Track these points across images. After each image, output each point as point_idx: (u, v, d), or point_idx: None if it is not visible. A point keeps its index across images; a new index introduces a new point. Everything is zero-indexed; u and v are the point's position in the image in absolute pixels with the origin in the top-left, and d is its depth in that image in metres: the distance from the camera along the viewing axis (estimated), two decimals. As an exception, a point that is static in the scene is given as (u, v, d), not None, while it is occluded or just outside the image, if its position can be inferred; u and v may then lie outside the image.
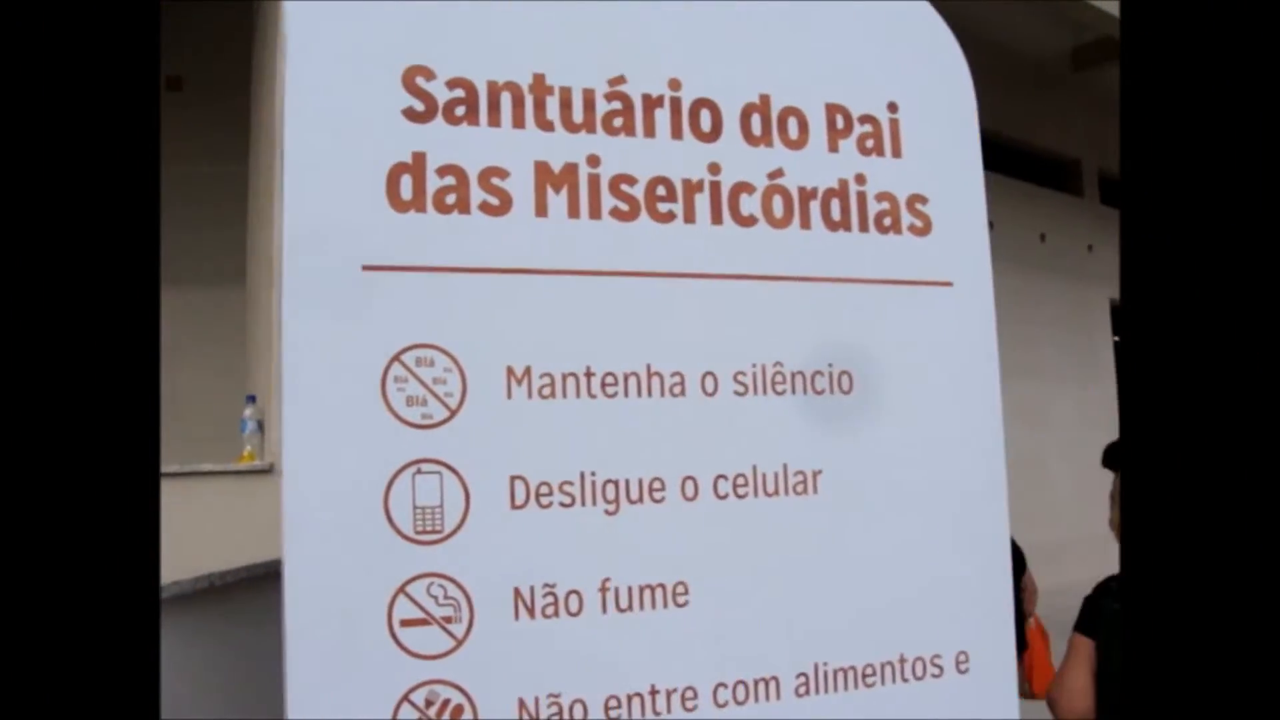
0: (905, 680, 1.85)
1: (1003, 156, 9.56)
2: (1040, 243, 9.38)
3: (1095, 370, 9.90)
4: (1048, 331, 9.31)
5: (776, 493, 1.79)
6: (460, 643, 1.61)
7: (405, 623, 1.58)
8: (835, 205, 1.90)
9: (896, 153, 1.97)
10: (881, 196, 1.94)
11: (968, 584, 1.92)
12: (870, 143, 1.95)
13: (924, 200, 1.97)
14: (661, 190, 1.79)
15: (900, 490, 1.88)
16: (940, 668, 1.87)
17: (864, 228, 1.92)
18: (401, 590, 1.58)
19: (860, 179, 1.93)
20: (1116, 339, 14.18)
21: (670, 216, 1.79)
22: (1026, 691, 2.70)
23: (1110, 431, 8.84)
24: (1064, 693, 2.15)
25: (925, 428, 1.91)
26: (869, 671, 1.82)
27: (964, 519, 1.92)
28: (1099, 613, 2.19)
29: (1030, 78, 9.68)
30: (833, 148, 1.92)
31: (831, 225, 1.89)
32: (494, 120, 1.73)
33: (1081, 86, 10.17)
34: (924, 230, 1.97)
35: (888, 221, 1.94)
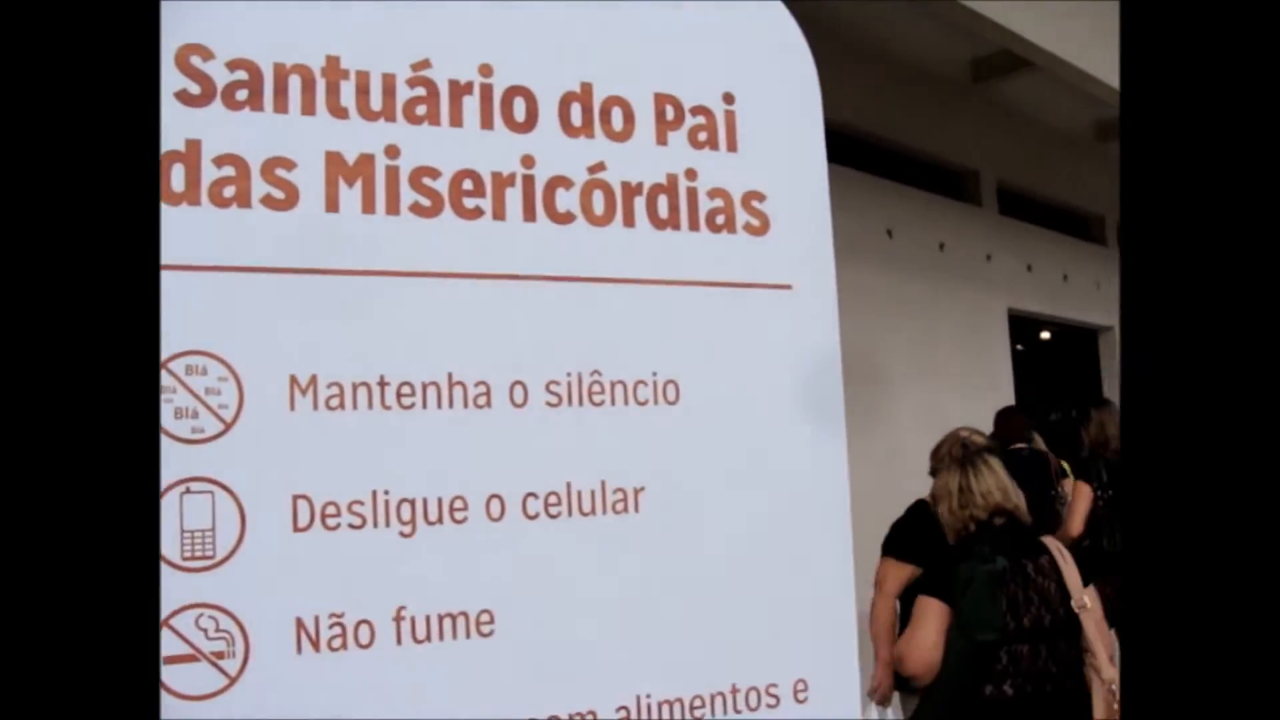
0: (738, 711, 1.72)
1: (902, 166, 9.61)
2: (939, 251, 9.42)
3: (994, 378, 9.97)
4: (946, 339, 9.35)
5: (593, 512, 1.65)
6: (234, 680, 1.44)
7: (170, 659, 1.41)
8: (663, 202, 1.77)
9: (732, 147, 1.85)
10: (715, 193, 1.82)
11: (807, 607, 1.80)
12: (703, 135, 1.83)
13: (761, 198, 1.86)
14: (468, 184, 1.64)
15: (732, 508, 1.75)
16: (776, 697, 1.75)
17: (694, 226, 1.79)
18: (166, 623, 1.41)
19: (691, 174, 1.80)
20: (1019, 347, 14.38)
21: (477, 213, 1.64)
22: None
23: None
24: (914, 649, 2.45)
25: (760, 441, 1.79)
26: (698, 704, 1.69)
27: (802, 538, 1.81)
28: (954, 577, 2.47)
29: (930, 89, 9.73)
30: (661, 140, 1.79)
31: (658, 223, 1.77)
32: (280, 106, 1.57)
33: (981, 98, 10.26)
34: (761, 229, 1.85)
35: (721, 220, 1.82)
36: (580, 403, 1.66)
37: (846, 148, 9.35)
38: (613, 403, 1.68)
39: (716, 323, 1.78)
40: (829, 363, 1.89)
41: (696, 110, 1.82)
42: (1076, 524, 4.52)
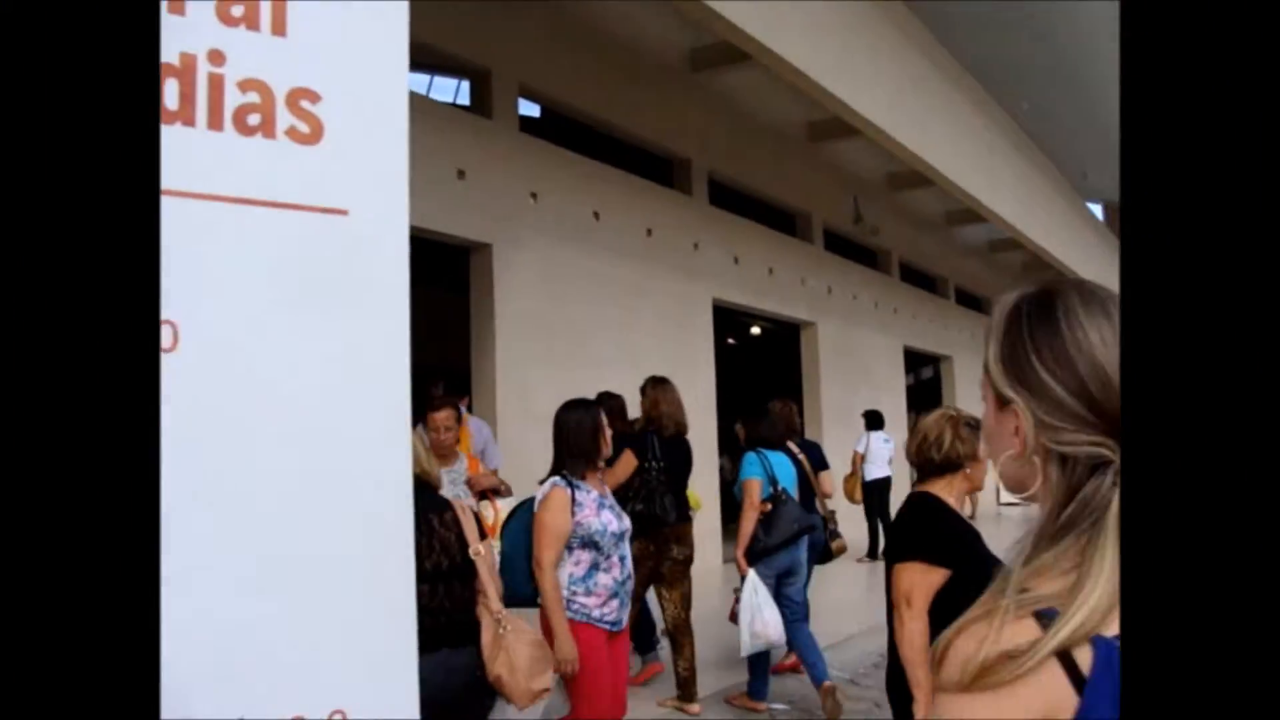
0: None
1: (614, 149, 9.46)
2: (646, 236, 9.33)
3: (696, 365, 10.01)
4: (651, 325, 9.29)
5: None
6: None
7: None
8: (173, 88, 1.36)
9: (279, 29, 1.45)
10: (248, 85, 1.42)
11: (345, 632, 1.43)
12: (238, 10, 1.42)
13: (314, 98, 1.47)
14: None
15: (258, 498, 1.36)
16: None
17: (217, 124, 1.39)
18: None
19: (217, 57, 1.39)
20: (730, 340, 14.67)
21: None
22: None
23: (712, 421, 8.86)
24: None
25: (292, 410, 1.40)
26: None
27: (355, 542, 1.44)
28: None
29: (647, 74, 9.63)
30: (177, 9, 1.38)
31: (166, 116, 1.35)
32: None
33: (698, 87, 10.28)
34: (311, 137, 1.46)
35: (255, 120, 1.42)
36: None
37: (558, 126, 9.12)
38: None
39: (237, 252, 1.38)
40: (394, 312, 1.52)
41: (229, -25, 1.41)
42: (613, 480, 4.76)
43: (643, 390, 5.26)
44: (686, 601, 4.99)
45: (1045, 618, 0.83)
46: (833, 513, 5.97)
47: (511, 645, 2.76)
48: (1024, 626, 0.83)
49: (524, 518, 3.49)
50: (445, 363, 8.39)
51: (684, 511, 5.02)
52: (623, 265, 9.02)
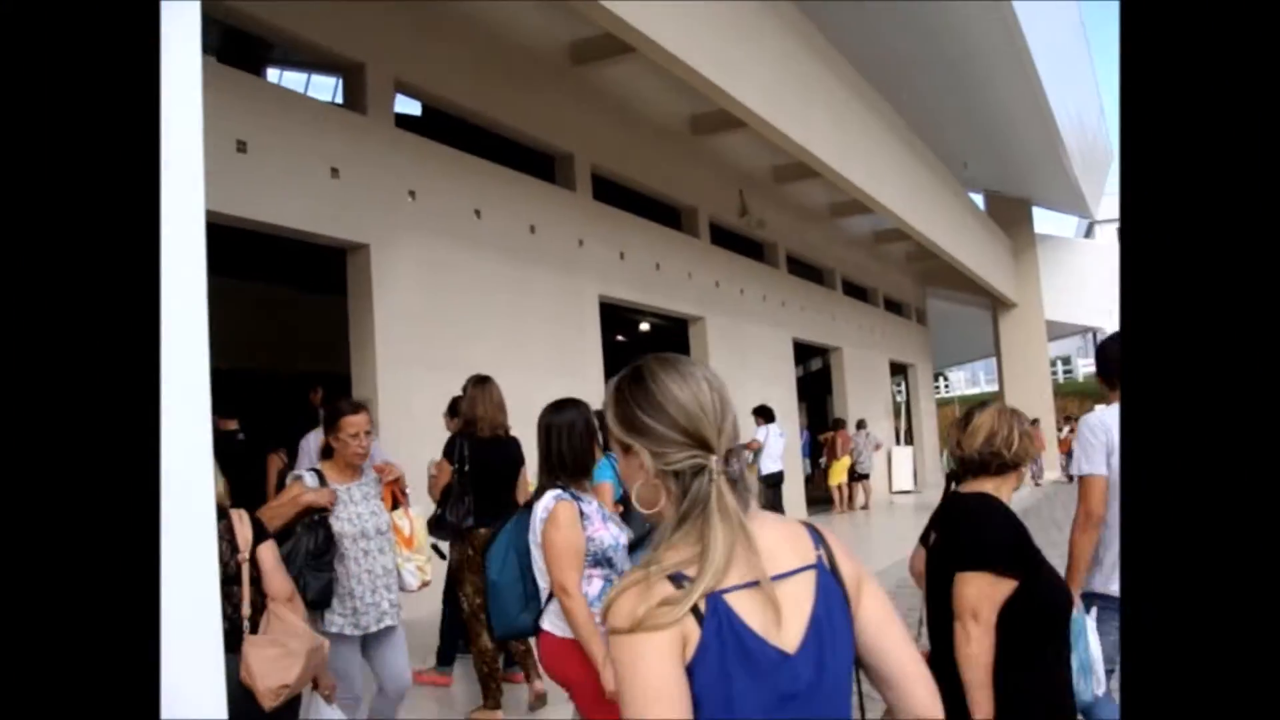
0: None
1: (495, 145, 9.27)
2: (530, 234, 9.16)
3: (585, 362, 9.89)
4: (537, 324, 9.14)
5: None
6: None
7: None
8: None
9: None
10: None
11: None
12: None
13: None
14: None
15: None
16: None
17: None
18: None
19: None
20: (620, 337, 14.58)
21: None
22: None
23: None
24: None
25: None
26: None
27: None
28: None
29: (527, 68, 9.47)
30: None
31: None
32: None
33: (579, 80, 10.15)
34: None
35: None
36: None
37: (437, 123, 8.88)
38: None
39: None
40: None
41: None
42: (433, 494, 4.84)
43: (464, 390, 5.04)
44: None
45: (677, 580, 1.24)
46: None
47: (246, 652, 2.91)
48: (665, 585, 1.24)
49: (506, 540, 3.15)
50: (326, 369, 8.14)
51: (498, 514, 4.72)
52: (506, 264, 8.85)
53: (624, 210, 11.06)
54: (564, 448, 3.11)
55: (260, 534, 3.11)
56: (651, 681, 1.20)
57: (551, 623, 2.98)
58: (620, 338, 14.92)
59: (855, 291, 18.96)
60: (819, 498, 16.39)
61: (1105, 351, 3.63)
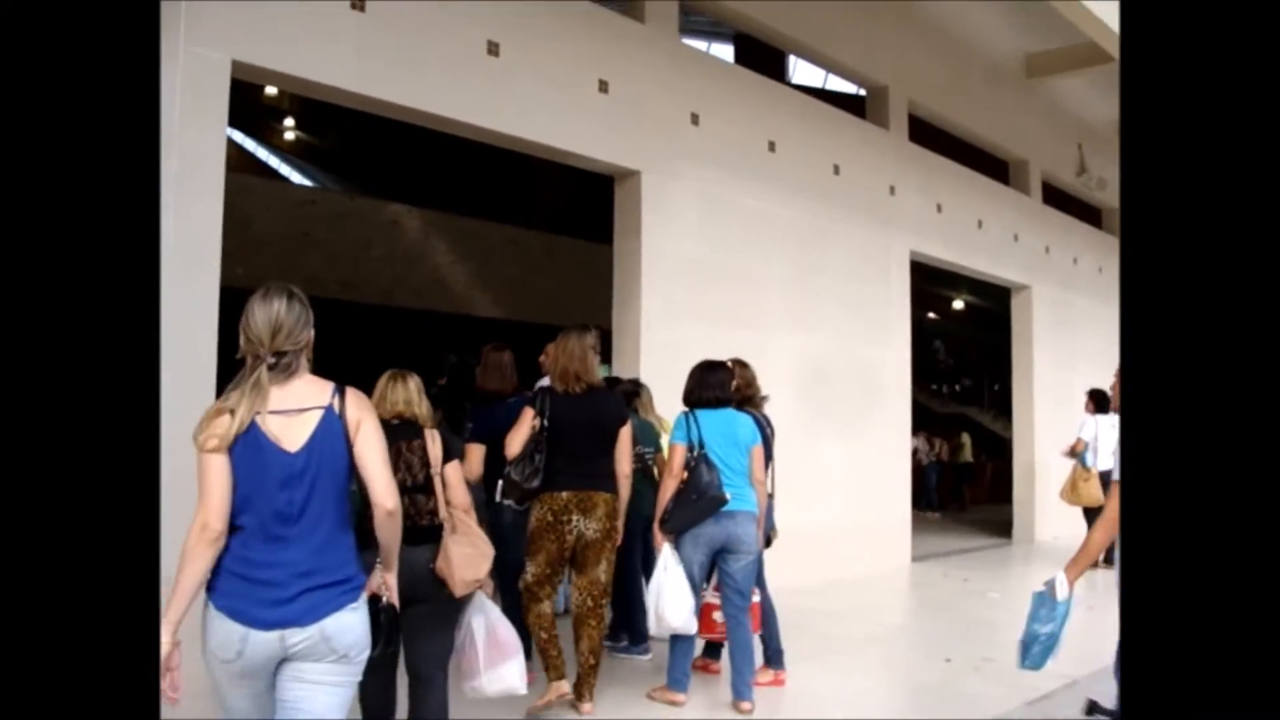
0: None
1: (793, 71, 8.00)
2: (833, 175, 7.86)
3: (888, 331, 8.51)
4: (833, 278, 7.85)
5: None
6: None
7: None
8: None
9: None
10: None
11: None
12: None
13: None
14: None
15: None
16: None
17: None
18: None
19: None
20: (932, 316, 13.01)
21: None
22: None
23: (905, 402, 7.33)
24: None
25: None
26: None
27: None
28: None
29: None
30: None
31: None
32: None
33: (900, 7, 8.72)
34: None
35: None
36: None
37: (725, 37, 7.75)
38: None
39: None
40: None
41: None
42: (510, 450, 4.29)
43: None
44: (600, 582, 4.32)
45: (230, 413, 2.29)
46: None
47: (448, 546, 3.31)
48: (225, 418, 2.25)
49: None
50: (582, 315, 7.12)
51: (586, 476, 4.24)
52: (803, 207, 7.55)
53: (943, 156, 9.51)
54: None
55: (448, 454, 3.50)
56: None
57: None
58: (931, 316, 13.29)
59: (1206, 271, 16.35)
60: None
61: None
